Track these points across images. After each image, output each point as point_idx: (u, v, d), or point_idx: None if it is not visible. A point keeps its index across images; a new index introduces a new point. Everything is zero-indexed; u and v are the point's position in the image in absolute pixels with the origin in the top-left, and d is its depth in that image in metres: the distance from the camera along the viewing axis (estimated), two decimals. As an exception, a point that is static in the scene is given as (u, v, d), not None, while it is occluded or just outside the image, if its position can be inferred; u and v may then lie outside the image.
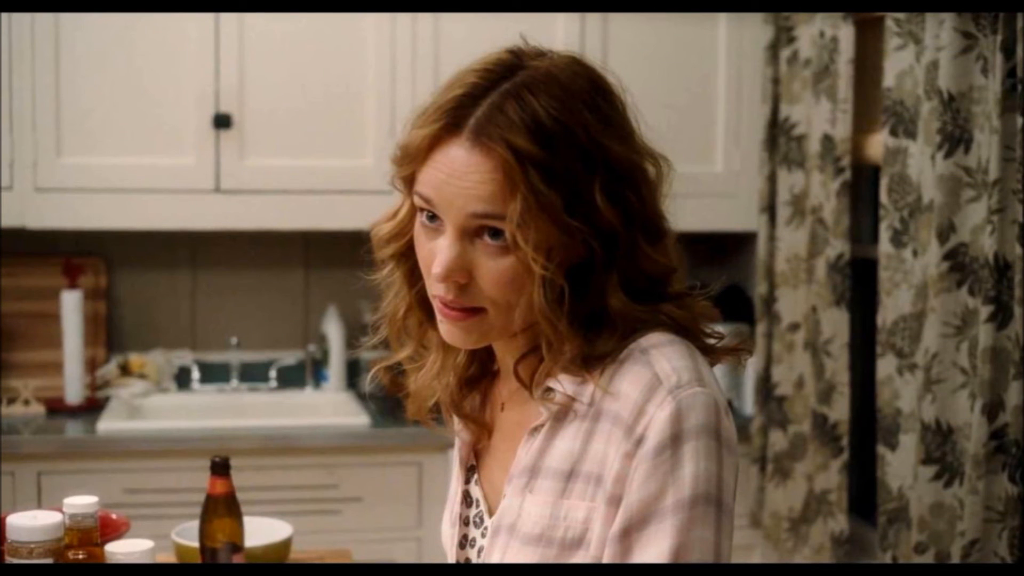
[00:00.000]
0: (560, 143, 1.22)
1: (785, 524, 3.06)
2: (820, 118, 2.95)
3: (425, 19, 3.18)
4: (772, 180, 3.18)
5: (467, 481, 1.43)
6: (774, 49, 3.17)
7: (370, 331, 1.42)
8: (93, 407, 3.19)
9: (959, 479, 2.41)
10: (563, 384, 1.28)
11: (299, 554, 2.11)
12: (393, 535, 3.07)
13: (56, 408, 3.19)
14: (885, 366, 2.65)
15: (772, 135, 3.18)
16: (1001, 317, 2.28)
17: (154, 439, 3.02)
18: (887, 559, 2.62)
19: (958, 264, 2.40)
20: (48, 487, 2.92)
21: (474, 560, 1.40)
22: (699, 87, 3.34)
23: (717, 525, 1.21)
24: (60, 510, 1.63)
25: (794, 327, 3.07)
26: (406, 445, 3.07)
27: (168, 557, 2.00)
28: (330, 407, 3.38)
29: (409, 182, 1.30)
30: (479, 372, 1.44)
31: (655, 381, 1.23)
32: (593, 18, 3.24)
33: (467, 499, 1.43)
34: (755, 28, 3.26)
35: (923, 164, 2.51)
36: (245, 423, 3.14)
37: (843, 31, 2.87)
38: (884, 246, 2.64)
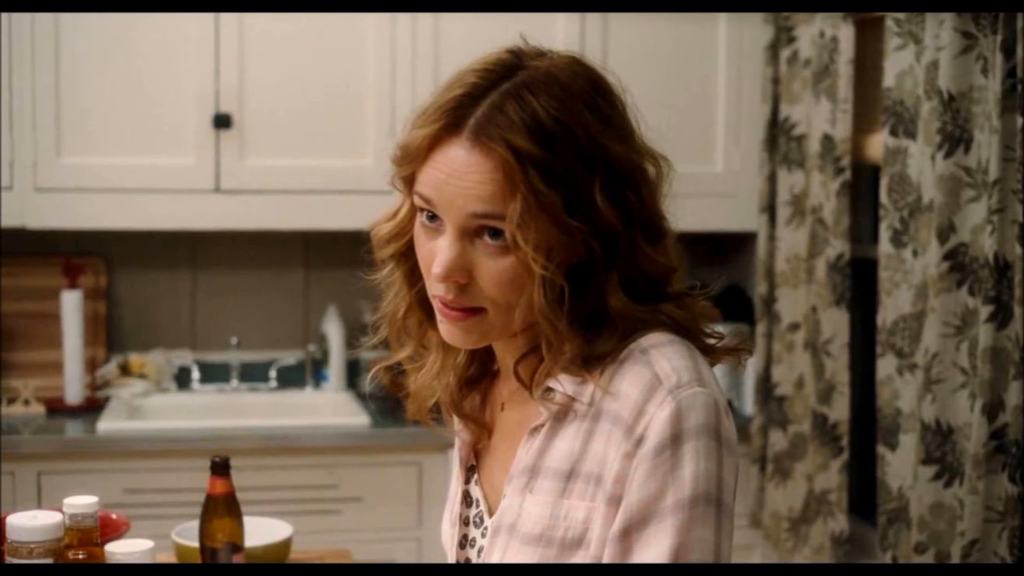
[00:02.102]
0: (560, 143, 1.22)
1: (785, 524, 3.06)
2: (820, 118, 2.95)
3: (425, 19, 3.18)
4: (772, 180, 3.18)
5: (467, 481, 1.43)
6: (774, 49, 3.17)
7: (370, 331, 1.42)
8: (93, 407, 3.19)
9: (959, 479, 2.41)
10: (563, 384, 1.28)
11: (299, 554, 2.11)
12: (393, 535, 3.07)
13: (56, 408, 3.19)
14: (885, 366, 2.65)
15: (772, 135, 3.18)
16: (1001, 317, 2.28)
17: (154, 439, 3.02)
18: (887, 559, 2.62)
19: (958, 264, 2.40)
20: (48, 487, 2.91)
21: (474, 560, 1.40)
22: (699, 87, 3.34)
23: (717, 525, 1.21)
24: (60, 510, 1.63)
25: (794, 327, 3.07)
26: (406, 445, 3.07)
27: (168, 557, 2.00)
28: (330, 407, 3.38)
29: (409, 182, 1.30)
30: (479, 372, 1.44)
31: (655, 381, 1.23)
32: (593, 18, 3.24)
33: (467, 499, 1.43)
34: (755, 28, 3.26)
35: (923, 164, 2.51)
36: (245, 423, 3.14)
37: (843, 31, 2.87)
38: (884, 246, 2.64)
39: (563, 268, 1.24)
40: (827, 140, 2.92)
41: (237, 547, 1.87)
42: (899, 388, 2.60)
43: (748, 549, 3.21)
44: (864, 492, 3.03)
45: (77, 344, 3.20)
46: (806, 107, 3.04)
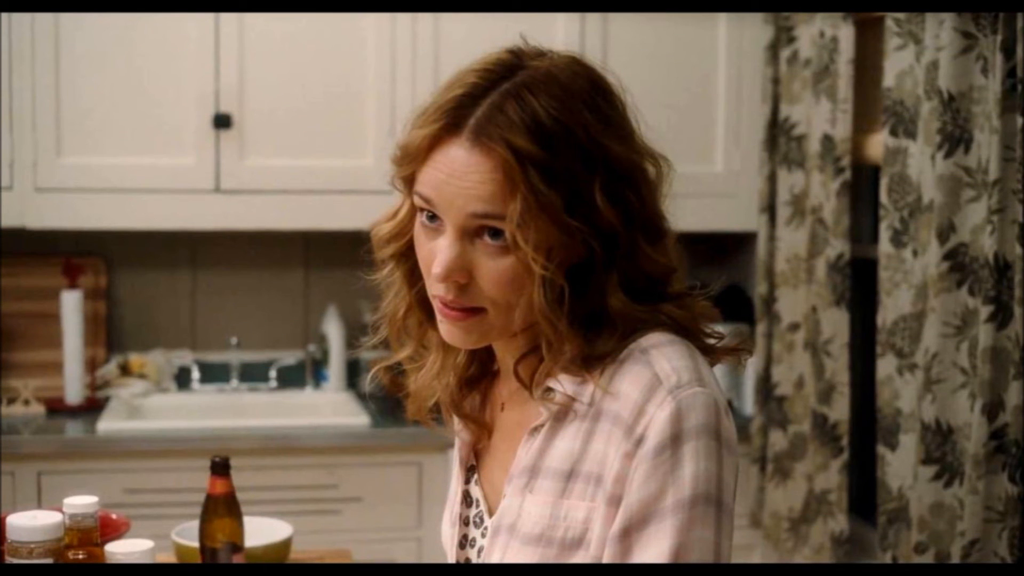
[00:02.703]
0: (560, 143, 1.22)
1: (785, 524, 3.06)
2: (820, 118, 2.95)
3: (425, 19, 3.18)
4: (772, 180, 3.18)
5: (467, 481, 1.43)
6: (774, 49, 3.17)
7: (370, 331, 1.42)
8: (93, 407, 3.19)
9: (959, 479, 2.41)
10: (563, 384, 1.28)
11: (299, 554, 2.11)
12: (393, 535, 3.07)
13: (56, 408, 3.19)
14: (885, 366, 2.65)
15: (772, 135, 3.18)
16: (1001, 317, 2.28)
17: (154, 439, 3.02)
18: (887, 559, 2.62)
19: (958, 264, 2.40)
20: (48, 487, 2.91)
21: (474, 560, 1.40)
22: (699, 87, 3.34)
23: (717, 525, 1.21)
24: (60, 510, 1.63)
25: (794, 327, 3.07)
26: (406, 445, 3.07)
27: (168, 557, 2.00)
28: (330, 407, 3.38)
29: (409, 182, 1.30)
30: (479, 372, 1.44)
31: (655, 381, 1.23)
32: (593, 18, 3.24)
33: (467, 499, 1.43)
34: (755, 28, 3.26)
35: (923, 164, 2.51)
36: (245, 423, 3.14)
37: (843, 31, 2.87)
38: (884, 246, 2.64)
39: (563, 268, 1.24)
40: (827, 140, 2.92)
41: (237, 547, 1.87)
42: (899, 388, 2.60)
43: (748, 549, 3.21)
44: (864, 492, 3.03)
45: (77, 344, 3.20)
46: (806, 107, 3.04)
